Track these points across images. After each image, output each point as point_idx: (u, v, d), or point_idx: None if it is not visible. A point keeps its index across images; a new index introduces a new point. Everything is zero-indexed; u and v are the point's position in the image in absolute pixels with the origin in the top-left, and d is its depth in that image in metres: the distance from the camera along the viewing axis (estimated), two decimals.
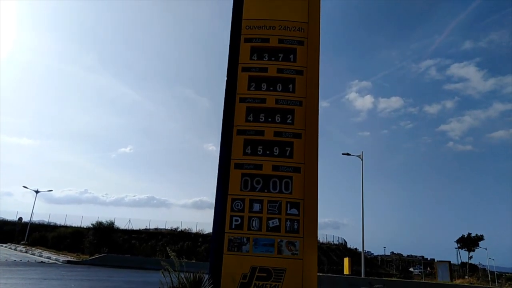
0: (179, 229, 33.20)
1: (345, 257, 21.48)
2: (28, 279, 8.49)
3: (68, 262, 16.48)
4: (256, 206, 3.57)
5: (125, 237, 28.14)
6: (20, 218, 31.95)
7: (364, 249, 19.44)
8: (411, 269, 46.91)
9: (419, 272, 43.22)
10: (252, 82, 3.89)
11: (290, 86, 3.87)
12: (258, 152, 3.75)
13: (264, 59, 3.95)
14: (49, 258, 17.66)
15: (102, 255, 18.22)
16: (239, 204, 3.57)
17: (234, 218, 3.54)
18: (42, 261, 15.83)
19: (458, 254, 45.62)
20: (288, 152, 3.73)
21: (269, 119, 3.81)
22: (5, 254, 17.87)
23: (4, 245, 26.65)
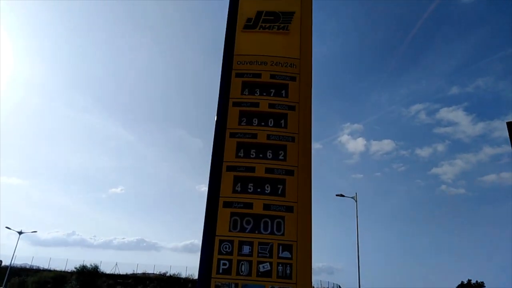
0: (168, 274, 31.83)
1: None
2: None
3: None
4: (246, 249, 3.31)
5: (110, 282, 26.80)
6: (0, 261, 30.48)
7: None
8: None
9: None
10: (243, 117, 3.77)
11: (282, 121, 3.75)
12: (249, 190, 3.54)
13: (256, 94, 3.86)
14: None
15: None
16: (227, 246, 3.31)
17: (221, 261, 3.26)
18: None
19: None
20: (280, 190, 3.53)
21: (260, 155, 3.65)
22: None
23: None
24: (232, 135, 3.68)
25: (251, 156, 3.65)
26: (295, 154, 3.61)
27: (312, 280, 3.41)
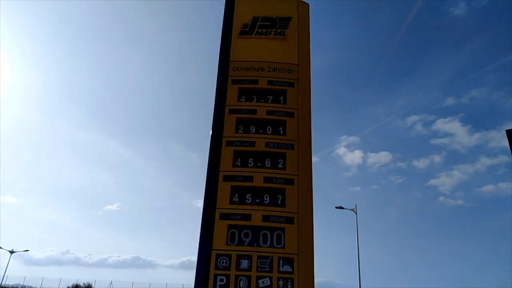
0: None
1: None
2: None
3: None
4: (244, 263, 3.11)
5: None
6: None
7: None
8: None
9: None
10: (240, 124, 3.63)
11: (281, 128, 3.61)
12: (247, 201, 3.37)
13: (253, 100, 3.73)
14: None
15: None
16: (224, 260, 3.11)
17: (218, 277, 3.06)
18: None
19: None
20: (280, 200, 3.36)
21: (259, 164, 3.49)
22: None
23: None
24: (229, 143, 3.53)
25: (249, 165, 3.49)
26: (295, 162, 3.45)
27: None
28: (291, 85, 3.76)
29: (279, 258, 3.12)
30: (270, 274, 3.06)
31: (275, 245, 3.19)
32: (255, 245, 3.19)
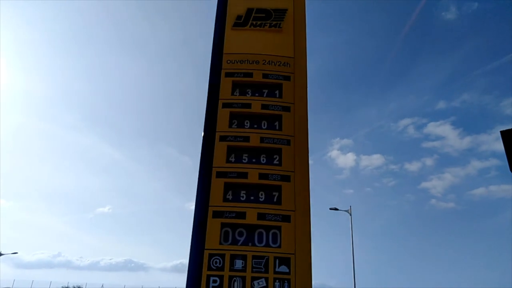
0: None
1: None
2: None
3: None
4: (239, 263, 2.96)
5: None
6: None
7: None
8: None
9: None
10: (234, 119, 3.48)
11: (277, 123, 3.47)
12: (241, 198, 3.22)
13: (247, 94, 3.59)
14: None
15: None
16: (218, 260, 2.96)
17: (211, 278, 2.90)
18: None
19: None
20: (275, 197, 3.22)
21: (254, 160, 3.35)
22: None
23: None
24: (222, 138, 3.38)
25: (243, 161, 3.35)
26: (291, 158, 3.31)
27: None
28: (287, 78, 3.62)
29: (275, 258, 2.98)
30: (266, 275, 2.92)
31: (271, 244, 3.05)
32: (250, 244, 3.05)
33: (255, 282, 2.90)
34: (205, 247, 2.99)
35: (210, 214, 3.11)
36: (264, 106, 3.51)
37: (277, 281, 2.91)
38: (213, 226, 3.07)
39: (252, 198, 3.22)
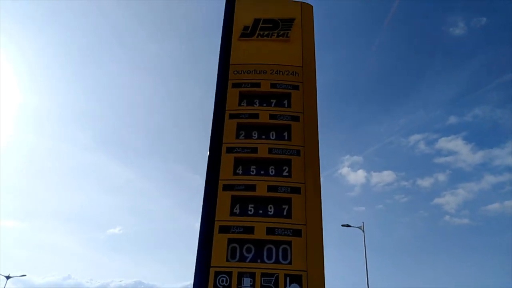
0: None
1: None
2: None
3: None
4: (247, 281, 2.77)
5: None
6: None
7: None
8: None
9: None
10: (241, 130, 3.36)
11: (285, 133, 3.34)
12: (249, 212, 3.06)
13: (255, 104, 3.48)
14: None
15: None
16: (224, 279, 2.78)
17: None
18: None
19: None
20: (285, 210, 3.05)
21: (262, 172, 3.21)
22: None
23: None
24: (229, 150, 3.25)
25: (251, 173, 3.21)
26: (302, 169, 3.16)
27: None
28: (295, 87, 3.51)
29: (286, 275, 2.79)
30: None
31: (281, 260, 2.86)
32: (259, 261, 2.87)
33: None
34: (211, 265, 2.82)
35: (216, 229, 2.95)
36: (272, 116, 3.39)
37: None
38: (220, 242, 2.90)
39: (260, 211, 3.06)
